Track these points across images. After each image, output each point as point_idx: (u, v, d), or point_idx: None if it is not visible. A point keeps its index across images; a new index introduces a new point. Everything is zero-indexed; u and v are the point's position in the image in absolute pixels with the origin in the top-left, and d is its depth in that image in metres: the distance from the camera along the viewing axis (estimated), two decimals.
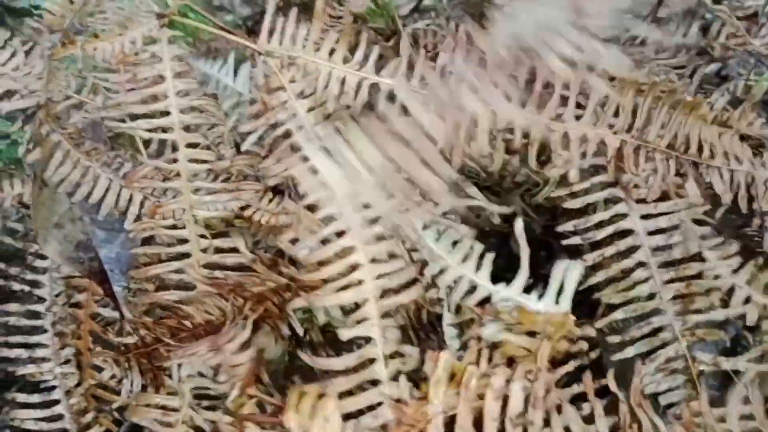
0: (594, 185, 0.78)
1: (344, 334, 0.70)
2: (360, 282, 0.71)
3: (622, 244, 0.77)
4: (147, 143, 0.87)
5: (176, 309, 0.82)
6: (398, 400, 0.63)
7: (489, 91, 0.50)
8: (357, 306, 0.71)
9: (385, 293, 0.70)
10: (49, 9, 0.86)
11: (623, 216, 0.77)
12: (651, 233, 0.77)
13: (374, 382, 0.67)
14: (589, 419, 0.65)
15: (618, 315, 0.77)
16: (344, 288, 0.72)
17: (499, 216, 0.80)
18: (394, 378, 0.67)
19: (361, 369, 0.69)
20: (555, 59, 0.54)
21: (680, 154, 0.80)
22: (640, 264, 0.77)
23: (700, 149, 0.80)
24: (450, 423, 0.62)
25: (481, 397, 0.63)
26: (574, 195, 0.78)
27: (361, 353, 0.69)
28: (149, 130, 0.78)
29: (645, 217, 0.78)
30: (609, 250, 0.77)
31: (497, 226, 0.81)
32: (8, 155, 1.35)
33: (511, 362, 0.66)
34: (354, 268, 0.72)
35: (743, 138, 0.83)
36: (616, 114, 0.79)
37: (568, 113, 0.77)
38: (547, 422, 0.63)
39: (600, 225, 0.77)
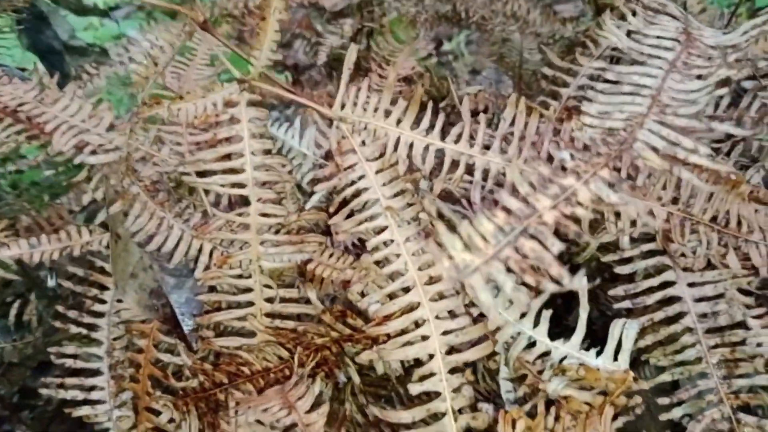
0: (643, 253, 0.79)
1: (413, 389, 0.71)
2: (425, 338, 0.72)
3: (670, 310, 0.78)
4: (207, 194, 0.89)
5: (236, 356, 0.83)
6: None
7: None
8: (423, 361, 0.72)
9: (452, 350, 0.71)
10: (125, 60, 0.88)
11: (671, 283, 0.79)
12: (697, 300, 0.78)
13: None
14: None
15: (665, 377, 0.77)
16: (410, 343, 0.72)
17: None
18: None
19: (429, 423, 0.69)
20: (646, 150, 0.55)
21: (722, 228, 0.81)
22: (688, 329, 0.78)
23: (739, 224, 0.82)
24: None
25: None
26: (624, 261, 0.79)
27: (429, 407, 0.70)
28: (224, 186, 0.79)
29: (691, 285, 0.79)
30: (658, 315, 0.78)
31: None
32: (30, 178, 1.36)
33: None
34: (419, 323, 0.73)
35: None
36: (664, 187, 0.80)
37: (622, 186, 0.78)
38: None
39: (649, 291, 0.79)
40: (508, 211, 0.49)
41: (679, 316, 0.78)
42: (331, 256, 0.87)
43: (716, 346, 0.77)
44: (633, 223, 0.79)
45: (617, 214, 0.77)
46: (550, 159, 0.71)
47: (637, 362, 0.79)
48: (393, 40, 1.13)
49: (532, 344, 0.75)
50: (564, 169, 0.53)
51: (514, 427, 0.63)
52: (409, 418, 0.69)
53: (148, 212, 0.82)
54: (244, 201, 0.81)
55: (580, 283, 0.71)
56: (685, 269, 0.79)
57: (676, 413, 0.76)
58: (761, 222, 0.83)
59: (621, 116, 0.59)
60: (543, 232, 0.48)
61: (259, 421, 0.85)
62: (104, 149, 0.81)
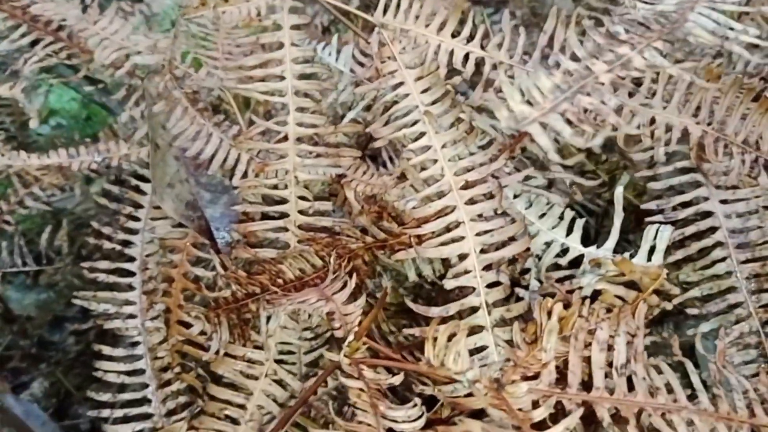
0: (677, 169, 0.78)
1: (447, 284, 0.70)
2: (460, 238, 0.71)
3: (702, 225, 0.77)
4: (246, 109, 0.88)
5: (270, 265, 0.82)
6: (510, 343, 0.63)
7: None
8: (459, 259, 0.71)
9: (486, 248, 0.70)
10: None
11: (704, 199, 0.78)
12: (728, 216, 0.77)
13: (477, 329, 0.67)
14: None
15: (695, 292, 0.76)
16: (445, 243, 0.72)
17: (581, 193, 0.81)
18: (498, 324, 0.67)
19: (464, 316, 0.68)
20: (697, 28, 0.54)
21: (754, 150, 0.80)
22: (719, 244, 0.77)
23: None
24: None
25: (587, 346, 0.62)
26: (658, 177, 0.78)
27: (464, 302, 0.69)
28: (264, 93, 0.79)
29: (723, 201, 0.78)
30: (689, 229, 0.77)
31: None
32: (101, 121, 1.36)
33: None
34: (454, 225, 0.72)
35: None
36: (698, 108, 0.79)
37: (656, 100, 0.77)
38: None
39: (682, 206, 0.78)
40: (566, 71, 0.48)
41: (711, 230, 0.77)
42: (365, 172, 0.86)
43: (746, 261, 0.76)
44: (667, 141, 0.78)
45: (652, 124, 0.76)
46: None
47: None
48: None
49: (564, 252, 0.74)
50: (619, 40, 0.52)
51: (549, 315, 0.62)
52: (444, 312, 0.69)
53: (189, 117, 0.81)
54: (284, 109, 0.80)
55: (617, 192, 0.71)
56: (717, 187, 0.78)
57: (704, 327, 0.75)
58: None
59: (672, 1, 0.58)
60: (599, 90, 0.47)
61: (286, 327, 0.85)
62: (150, 50, 0.81)
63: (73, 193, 1.33)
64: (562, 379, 0.60)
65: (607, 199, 0.94)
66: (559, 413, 0.58)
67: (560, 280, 0.75)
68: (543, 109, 0.46)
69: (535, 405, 0.57)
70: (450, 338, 0.58)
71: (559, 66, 0.49)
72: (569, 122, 0.46)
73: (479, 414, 0.59)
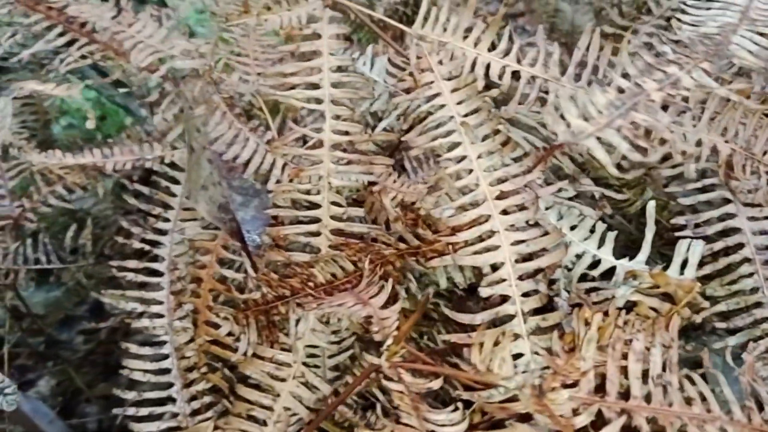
0: (705, 186, 0.80)
1: (483, 292, 0.71)
2: (495, 247, 0.73)
3: (730, 241, 0.78)
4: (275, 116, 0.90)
5: (302, 268, 0.83)
6: (549, 351, 0.64)
7: None
8: (494, 268, 0.72)
9: (522, 258, 0.71)
10: None
11: (732, 216, 0.79)
12: (756, 233, 0.79)
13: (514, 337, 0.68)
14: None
15: (721, 307, 0.78)
16: (480, 252, 0.73)
17: (611, 206, 0.82)
18: (533, 333, 0.68)
19: (498, 324, 0.69)
20: (741, 50, 0.56)
21: None
22: (746, 260, 0.78)
23: None
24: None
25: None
26: (687, 193, 0.80)
27: (498, 310, 0.70)
28: (301, 100, 0.80)
29: (751, 218, 0.79)
30: (717, 245, 0.78)
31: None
32: (115, 122, 1.37)
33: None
34: (489, 234, 0.73)
35: None
36: (726, 127, 0.81)
37: (686, 117, 0.79)
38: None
39: (710, 222, 0.79)
40: (619, 89, 0.50)
41: (738, 246, 0.78)
42: (395, 180, 0.87)
43: None
44: (697, 158, 0.79)
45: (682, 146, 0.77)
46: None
47: None
48: None
49: (595, 264, 0.76)
50: (667, 60, 0.54)
51: (587, 324, 0.63)
52: (479, 320, 0.70)
53: (227, 121, 0.82)
54: (321, 117, 0.81)
55: (649, 206, 0.73)
56: (745, 204, 0.79)
57: (731, 341, 0.76)
58: None
59: (714, 24, 0.60)
60: (652, 107, 0.49)
61: (316, 334, 0.86)
62: (184, 56, 0.82)
63: (94, 192, 1.35)
64: (599, 388, 0.61)
65: (628, 213, 0.95)
66: (597, 421, 0.59)
67: (587, 292, 0.76)
68: (599, 124, 0.47)
69: (575, 412, 0.58)
70: (495, 345, 0.60)
71: (610, 83, 0.50)
72: (625, 137, 0.47)
73: (521, 418, 0.60)
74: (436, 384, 0.62)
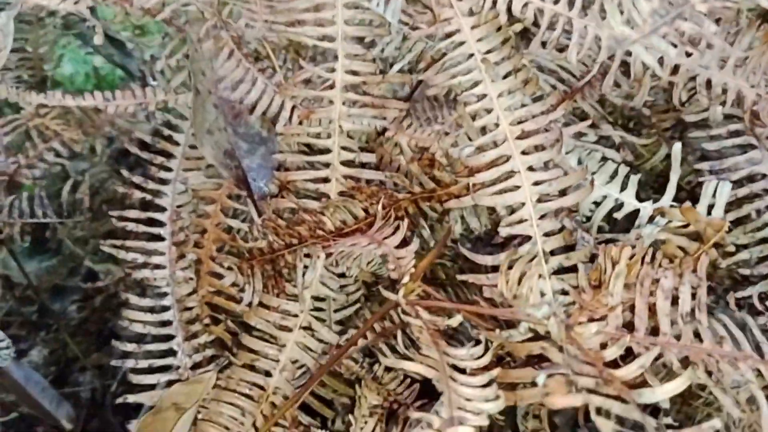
0: (730, 132, 0.78)
1: (502, 232, 0.69)
2: (516, 188, 0.70)
3: (755, 187, 0.76)
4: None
5: (311, 215, 0.80)
6: (576, 287, 0.62)
7: None
8: (514, 209, 0.70)
9: (544, 197, 0.69)
10: None
11: (757, 162, 0.77)
12: None
13: None
14: None
15: (744, 255, 0.75)
16: (500, 192, 0.71)
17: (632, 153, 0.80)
18: (556, 272, 0.66)
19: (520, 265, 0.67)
20: None
21: None
22: None
23: None
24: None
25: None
26: (712, 138, 0.77)
27: (520, 250, 0.68)
28: (313, 37, 0.77)
29: None
30: (742, 191, 0.76)
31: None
32: (111, 77, 1.33)
33: None
34: (508, 175, 0.71)
35: None
36: (753, 72, 0.79)
37: (713, 61, 0.76)
38: None
39: (734, 167, 0.77)
40: None
41: (764, 192, 0.76)
42: (409, 126, 0.84)
43: None
44: (723, 103, 0.77)
45: (708, 85, 0.75)
46: None
47: None
48: None
49: (618, 207, 0.73)
50: None
51: (613, 262, 0.61)
52: (497, 261, 0.67)
53: (235, 59, 0.79)
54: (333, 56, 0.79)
55: (675, 147, 0.70)
56: None
57: (759, 288, 0.74)
58: None
59: None
60: (698, 17, 0.46)
61: (324, 283, 0.83)
62: None
63: (90, 156, 1.32)
64: (626, 324, 0.59)
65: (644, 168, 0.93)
66: (626, 357, 0.56)
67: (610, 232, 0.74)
68: (643, 31, 0.45)
69: (603, 346, 0.56)
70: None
71: None
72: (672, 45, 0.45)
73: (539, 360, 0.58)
74: (455, 321, 0.59)
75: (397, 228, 0.70)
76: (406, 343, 0.70)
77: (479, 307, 0.60)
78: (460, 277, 0.69)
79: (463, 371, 0.53)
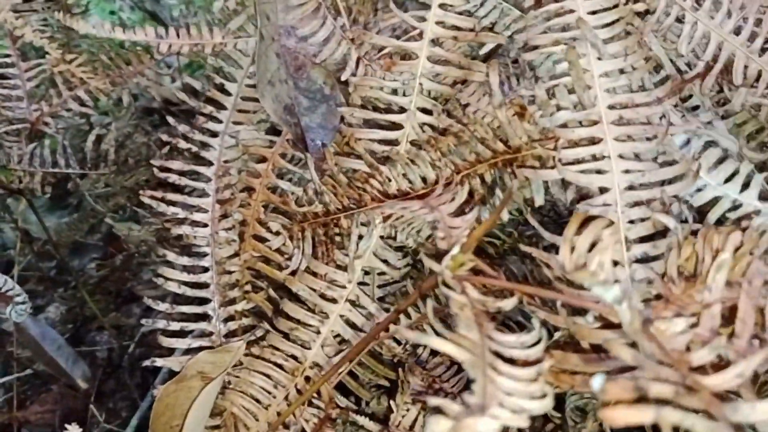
0: None
1: (581, 207, 0.65)
2: (604, 171, 0.66)
3: None
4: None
5: (378, 173, 0.76)
6: (664, 276, 0.58)
7: None
8: (600, 192, 0.66)
9: (635, 186, 0.65)
10: None
11: None
12: None
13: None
14: None
15: None
16: (586, 172, 0.67)
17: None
18: (638, 261, 0.62)
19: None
20: None
21: None
22: None
23: None
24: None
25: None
26: None
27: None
28: None
29: None
30: None
31: None
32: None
33: None
34: (597, 157, 0.67)
35: None
36: None
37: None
38: None
39: None
40: None
41: None
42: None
43: None
44: None
45: None
46: None
47: None
48: None
49: (737, 207, 0.69)
50: None
51: (715, 250, 0.56)
52: (574, 242, 0.64)
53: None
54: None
55: None
56: None
57: None
58: None
59: None
60: None
61: (376, 255, 0.80)
62: None
63: (118, 109, 1.30)
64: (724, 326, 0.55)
65: None
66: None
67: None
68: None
69: (689, 349, 0.51)
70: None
71: None
72: None
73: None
74: (508, 303, 0.52)
75: (456, 194, 0.67)
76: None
77: (539, 289, 0.56)
78: (523, 248, 0.65)
79: (508, 360, 0.48)
